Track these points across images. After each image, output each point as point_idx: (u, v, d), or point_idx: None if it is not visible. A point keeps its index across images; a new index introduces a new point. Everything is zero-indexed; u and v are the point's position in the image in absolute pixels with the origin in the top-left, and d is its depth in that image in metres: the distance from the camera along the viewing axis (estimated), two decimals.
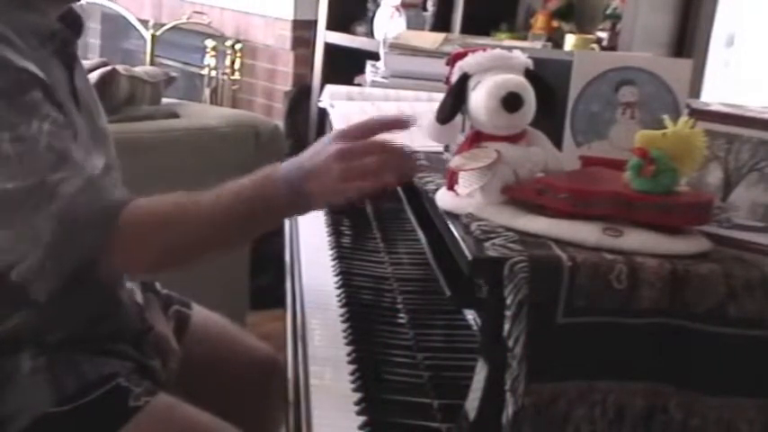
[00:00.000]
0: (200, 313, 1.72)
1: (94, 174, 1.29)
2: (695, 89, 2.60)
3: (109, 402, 1.37)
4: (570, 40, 2.75)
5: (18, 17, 1.31)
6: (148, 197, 1.28)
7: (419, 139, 1.64)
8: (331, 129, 2.11)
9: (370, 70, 2.29)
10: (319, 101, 2.00)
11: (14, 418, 1.33)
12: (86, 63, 2.48)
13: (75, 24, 1.45)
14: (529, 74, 1.21)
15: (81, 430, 1.36)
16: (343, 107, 1.86)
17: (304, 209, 1.30)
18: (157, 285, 1.70)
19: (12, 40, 1.27)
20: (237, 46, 3.98)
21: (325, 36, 3.59)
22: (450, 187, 1.23)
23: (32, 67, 1.28)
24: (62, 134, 1.28)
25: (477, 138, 1.20)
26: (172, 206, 1.28)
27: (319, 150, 1.25)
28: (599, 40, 2.81)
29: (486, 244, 1.06)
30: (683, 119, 1.11)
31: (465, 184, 1.19)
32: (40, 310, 1.33)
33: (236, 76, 4.00)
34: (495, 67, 1.21)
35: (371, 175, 1.23)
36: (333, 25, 3.58)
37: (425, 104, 1.80)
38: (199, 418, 1.43)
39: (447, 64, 1.30)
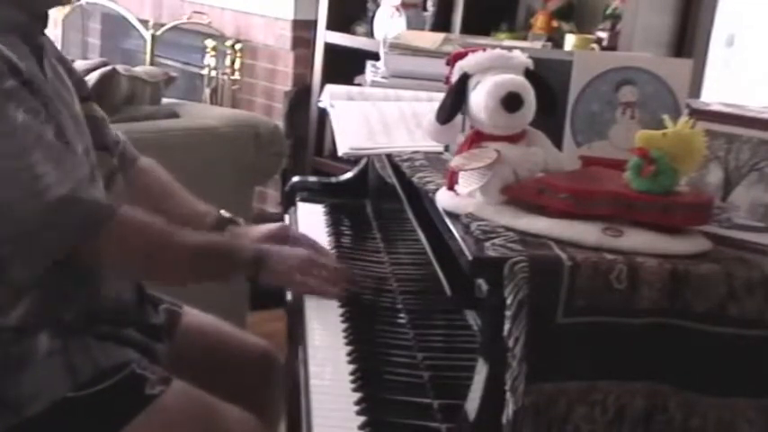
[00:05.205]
0: (192, 311, 1.75)
1: (83, 175, 1.37)
2: (695, 89, 2.60)
3: (126, 389, 1.41)
4: (570, 40, 2.75)
5: None
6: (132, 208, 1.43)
7: (419, 139, 1.65)
8: (331, 128, 2.11)
9: (370, 70, 2.29)
10: (319, 101, 2.00)
11: (33, 399, 1.37)
12: (86, 63, 2.48)
13: (42, 18, 1.49)
14: (529, 74, 1.21)
15: (100, 415, 1.40)
16: (343, 107, 1.86)
17: (257, 273, 1.49)
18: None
19: None
20: (237, 46, 3.97)
21: (325, 36, 3.58)
22: (451, 187, 1.23)
23: (14, 58, 1.34)
24: (39, 127, 1.34)
25: (477, 138, 1.20)
26: (162, 224, 1.45)
27: (288, 248, 1.56)
28: (599, 40, 2.80)
29: (486, 244, 1.06)
30: (683, 119, 1.11)
31: (465, 184, 1.19)
32: (44, 295, 1.40)
33: (236, 76, 3.99)
34: (495, 67, 1.21)
35: (320, 280, 1.50)
36: (333, 25, 3.57)
37: (425, 104, 1.80)
38: (213, 402, 1.47)
39: (447, 64, 1.30)
